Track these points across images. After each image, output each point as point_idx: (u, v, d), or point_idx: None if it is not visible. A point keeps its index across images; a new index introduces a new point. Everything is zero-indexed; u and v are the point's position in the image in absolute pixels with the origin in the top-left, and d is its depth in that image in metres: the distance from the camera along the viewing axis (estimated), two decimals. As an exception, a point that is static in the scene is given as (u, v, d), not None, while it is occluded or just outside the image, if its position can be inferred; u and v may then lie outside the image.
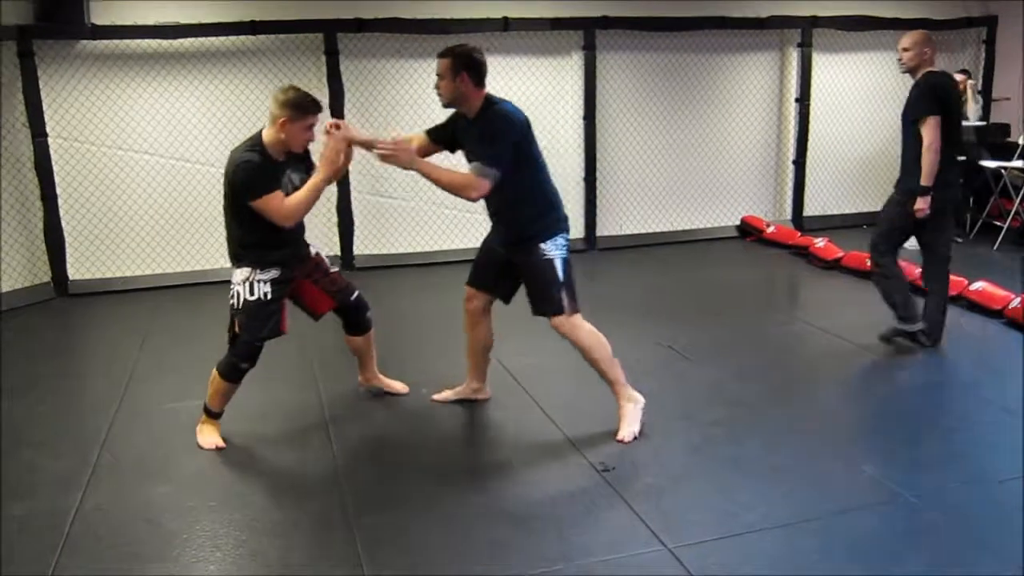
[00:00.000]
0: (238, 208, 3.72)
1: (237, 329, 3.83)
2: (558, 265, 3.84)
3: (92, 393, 4.73)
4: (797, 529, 3.12)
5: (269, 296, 3.79)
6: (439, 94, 3.86)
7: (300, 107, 3.72)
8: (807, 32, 8.13)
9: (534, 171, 3.88)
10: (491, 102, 3.84)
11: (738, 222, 8.43)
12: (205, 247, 6.92)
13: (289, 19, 6.81)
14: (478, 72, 3.79)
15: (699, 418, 4.10)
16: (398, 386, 4.53)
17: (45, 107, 6.47)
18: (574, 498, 3.39)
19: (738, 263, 7.52)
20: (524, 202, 3.86)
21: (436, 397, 4.41)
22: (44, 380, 4.88)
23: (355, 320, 4.34)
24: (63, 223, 6.66)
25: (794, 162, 8.43)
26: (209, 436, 3.94)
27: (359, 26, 6.97)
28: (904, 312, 4.97)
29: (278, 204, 3.69)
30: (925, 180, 4.69)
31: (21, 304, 6.39)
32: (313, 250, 4.16)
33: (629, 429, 3.89)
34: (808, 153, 8.40)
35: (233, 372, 3.84)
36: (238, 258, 3.85)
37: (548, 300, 3.87)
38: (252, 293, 3.79)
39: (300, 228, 4.00)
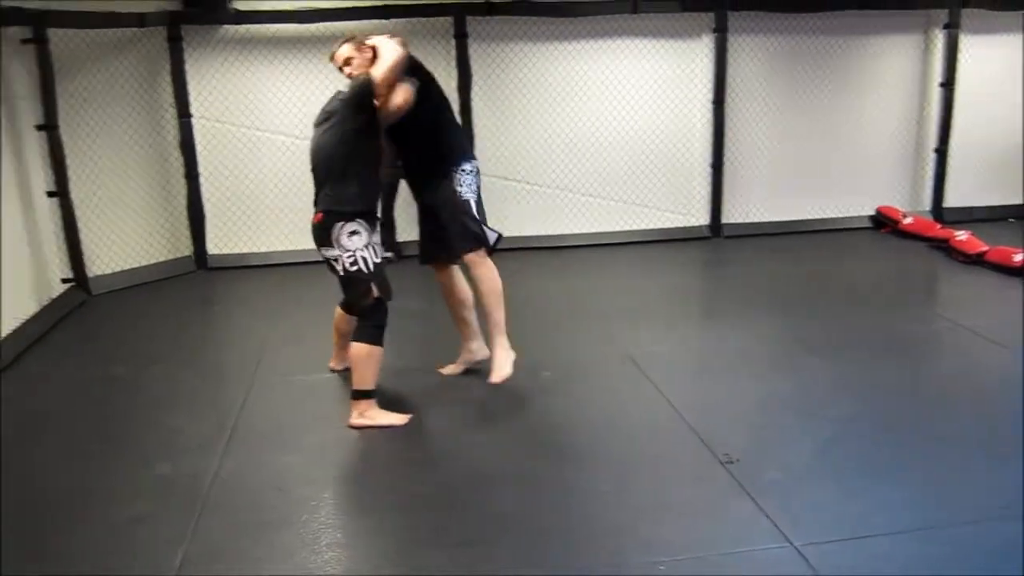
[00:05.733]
0: None
1: (376, 293, 3.91)
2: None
3: (229, 363, 4.98)
4: (929, 535, 2.99)
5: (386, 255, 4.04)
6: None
7: None
8: (955, 13, 7.68)
9: None
10: None
11: (872, 212, 8.07)
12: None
13: (420, 3, 6.91)
14: None
15: (828, 415, 3.96)
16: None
17: (190, 89, 6.79)
18: (697, 489, 3.34)
19: (871, 255, 7.22)
20: None
21: (444, 371, 4.54)
22: (187, 349, 5.16)
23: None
24: (204, 200, 6.98)
25: (936, 150, 8.00)
26: (387, 416, 3.96)
27: (489, 9, 7.02)
28: None
29: None
30: None
31: (163, 276, 6.76)
32: None
33: (500, 372, 4.02)
34: (951, 141, 7.96)
35: (380, 336, 3.93)
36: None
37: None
38: (377, 255, 3.94)
39: None
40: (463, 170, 4.14)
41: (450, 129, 4.33)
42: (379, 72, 3.88)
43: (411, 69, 4.10)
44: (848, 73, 7.84)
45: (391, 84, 3.91)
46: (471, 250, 4.10)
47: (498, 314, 4.15)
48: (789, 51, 7.68)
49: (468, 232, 4.10)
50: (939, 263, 6.81)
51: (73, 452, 3.82)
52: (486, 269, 4.13)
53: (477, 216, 4.12)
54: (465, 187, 4.12)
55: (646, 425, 3.96)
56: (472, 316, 4.46)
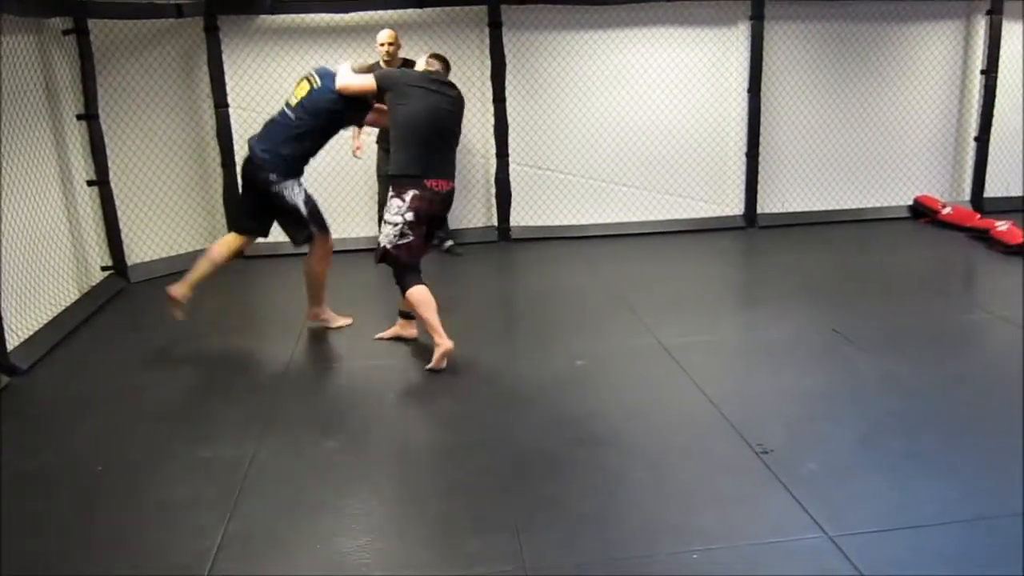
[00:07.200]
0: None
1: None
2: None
3: (266, 349, 5.02)
4: (973, 527, 2.95)
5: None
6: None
7: None
8: (998, -1, 7.56)
9: None
10: None
11: (910, 202, 7.97)
12: (369, 214, 7.17)
13: (454, -8, 6.93)
14: None
15: (866, 407, 3.92)
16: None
17: (227, 79, 6.86)
18: (731, 478, 3.33)
19: (910, 245, 7.12)
20: None
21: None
22: (225, 335, 5.23)
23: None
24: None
25: (976, 139, 7.88)
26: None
27: (522, -2, 7.01)
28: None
29: None
30: None
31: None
32: None
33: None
34: (992, 130, 7.82)
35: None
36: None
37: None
38: None
39: None
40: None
41: None
42: None
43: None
44: (887, 61, 7.74)
45: None
46: None
47: None
48: (826, 38, 7.59)
49: None
50: (979, 254, 6.70)
51: (113, 436, 3.89)
52: None
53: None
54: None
55: (680, 414, 3.95)
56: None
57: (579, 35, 7.26)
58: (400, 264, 4.47)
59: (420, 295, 4.44)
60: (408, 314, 4.81)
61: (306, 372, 4.61)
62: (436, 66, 4.63)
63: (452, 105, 4.53)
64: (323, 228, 4.93)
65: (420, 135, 4.37)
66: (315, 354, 4.90)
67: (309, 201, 4.86)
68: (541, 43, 7.24)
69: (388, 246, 4.44)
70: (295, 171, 4.77)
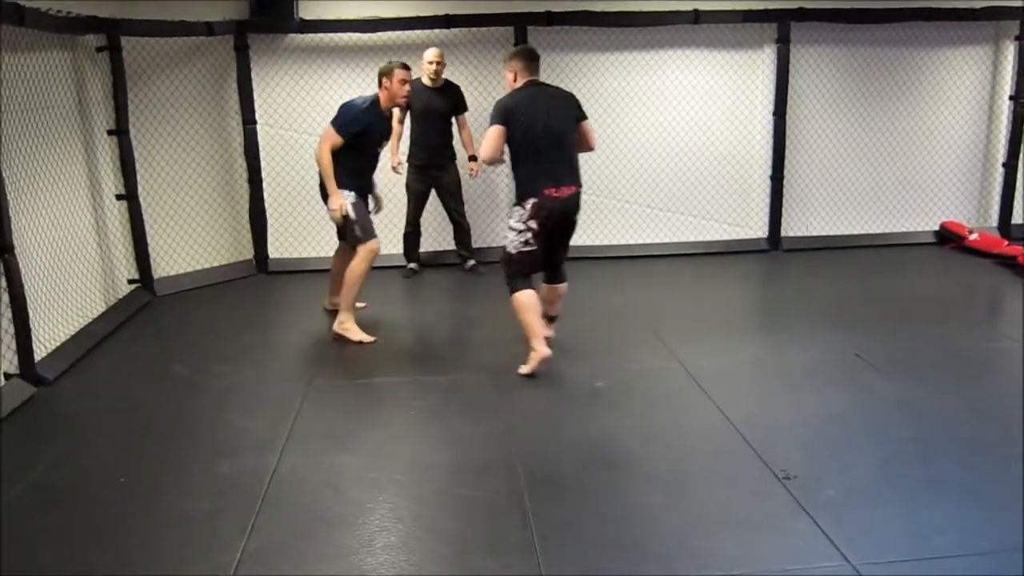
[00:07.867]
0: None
1: None
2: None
3: (288, 364, 5.05)
4: (996, 558, 2.91)
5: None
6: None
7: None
8: (1027, 24, 7.52)
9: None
10: None
11: (937, 227, 7.91)
12: (392, 231, 7.20)
13: (481, 13, 6.98)
14: None
15: (889, 433, 3.89)
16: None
17: (255, 96, 6.94)
18: (752, 503, 3.30)
19: (935, 271, 7.06)
20: None
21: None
22: (247, 350, 5.25)
23: None
24: (266, 205, 7.11)
25: (1004, 164, 7.82)
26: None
27: (549, 19, 7.04)
28: None
29: None
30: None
31: (225, 279, 6.91)
32: None
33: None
34: (1021, 155, 7.75)
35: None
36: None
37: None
38: None
39: None
40: None
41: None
42: None
43: None
44: (913, 85, 7.71)
45: None
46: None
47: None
48: (853, 62, 7.58)
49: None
50: (1005, 281, 6.63)
51: (135, 449, 3.92)
52: None
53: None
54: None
55: (701, 438, 3.93)
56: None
57: (605, 56, 7.29)
58: (514, 268, 4.63)
59: (525, 299, 4.60)
60: (550, 318, 4.97)
61: (327, 387, 4.63)
62: (530, 71, 4.68)
63: (555, 100, 4.65)
64: (368, 235, 5.29)
65: (529, 150, 4.53)
66: (336, 369, 4.93)
67: (358, 208, 5.31)
68: (567, 64, 7.27)
69: (512, 251, 4.62)
70: (343, 184, 5.26)
